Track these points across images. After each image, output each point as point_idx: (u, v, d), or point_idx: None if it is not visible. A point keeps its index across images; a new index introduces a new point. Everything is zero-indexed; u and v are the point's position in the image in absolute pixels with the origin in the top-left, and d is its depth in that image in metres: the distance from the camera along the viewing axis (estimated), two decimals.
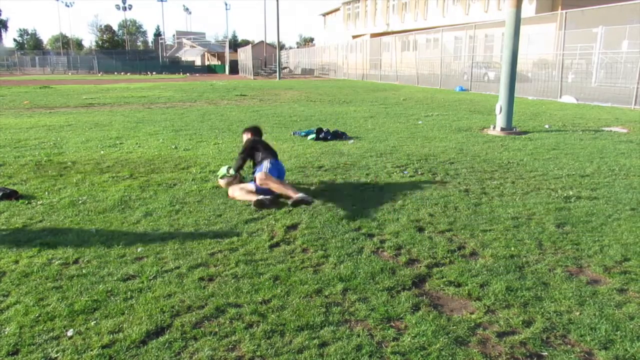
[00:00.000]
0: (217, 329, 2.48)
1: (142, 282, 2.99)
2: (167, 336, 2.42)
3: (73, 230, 3.91)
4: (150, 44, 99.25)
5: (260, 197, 4.51)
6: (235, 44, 75.67)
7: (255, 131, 5.43)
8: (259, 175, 4.71)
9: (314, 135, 8.34)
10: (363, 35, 44.86)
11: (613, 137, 8.48)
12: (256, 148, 5.10)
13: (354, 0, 48.98)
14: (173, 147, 7.64)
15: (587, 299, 2.78)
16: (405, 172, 5.86)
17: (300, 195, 4.53)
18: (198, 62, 60.24)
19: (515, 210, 4.40)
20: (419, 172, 5.87)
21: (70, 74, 50.81)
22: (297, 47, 79.62)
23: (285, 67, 52.98)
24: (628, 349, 2.31)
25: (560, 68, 16.44)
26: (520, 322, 2.54)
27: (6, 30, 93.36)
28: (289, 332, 2.46)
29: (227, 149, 7.48)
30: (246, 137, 5.35)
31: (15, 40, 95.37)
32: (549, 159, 6.66)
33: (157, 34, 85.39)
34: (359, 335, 2.43)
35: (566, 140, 8.14)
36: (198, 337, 2.42)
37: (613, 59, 17.36)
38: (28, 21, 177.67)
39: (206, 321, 2.57)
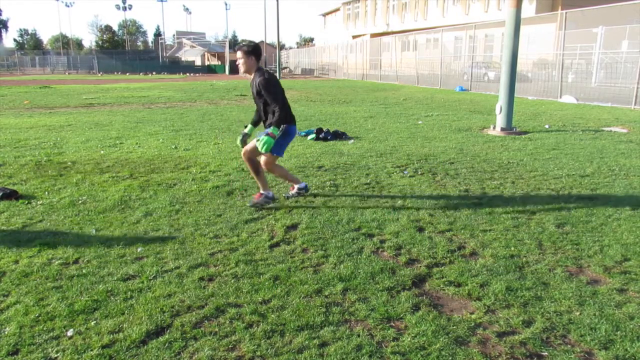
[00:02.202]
0: (217, 329, 2.49)
1: (142, 282, 2.99)
2: (167, 336, 2.42)
3: (73, 230, 3.91)
4: (150, 44, 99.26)
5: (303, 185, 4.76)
6: (235, 44, 75.59)
7: (260, 55, 4.42)
8: (269, 159, 4.43)
9: (314, 135, 8.34)
10: (363, 35, 44.86)
11: (613, 137, 8.49)
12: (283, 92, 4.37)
13: (354, 1, 48.98)
14: (173, 147, 7.64)
15: (587, 299, 2.78)
16: (405, 172, 5.86)
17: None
18: (198, 62, 60.26)
19: (515, 210, 4.40)
20: (419, 172, 5.87)
21: (67, 73, 50.75)
22: (297, 47, 79.64)
23: (285, 67, 52.98)
24: (628, 349, 2.31)
25: (560, 68, 16.44)
26: (520, 322, 2.54)
27: (6, 30, 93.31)
28: (289, 332, 2.46)
29: (227, 149, 7.48)
30: (249, 59, 4.31)
31: (15, 40, 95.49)
32: (549, 159, 6.66)
33: (157, 34, 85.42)
34: (359, 335, 2.43)
35: (566, 140, 8.14)
36: (198, 337, 2.42)
37: (613, 59, 17.36)
38: (28, 21, 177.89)
39: (206, 321, 2.57)
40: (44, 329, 2.48)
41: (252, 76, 4.39)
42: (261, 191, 4.60)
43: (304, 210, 4.39)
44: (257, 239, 3.72)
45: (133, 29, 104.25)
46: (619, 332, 2.45)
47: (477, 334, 2.45)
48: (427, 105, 14.55)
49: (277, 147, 4.33)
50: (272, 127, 4.18)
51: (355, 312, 2.65)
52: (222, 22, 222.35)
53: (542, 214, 4.29)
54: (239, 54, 4.31)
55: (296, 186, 4.77)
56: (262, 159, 4.44)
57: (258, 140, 4.25)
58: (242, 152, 4.56)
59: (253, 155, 4.51)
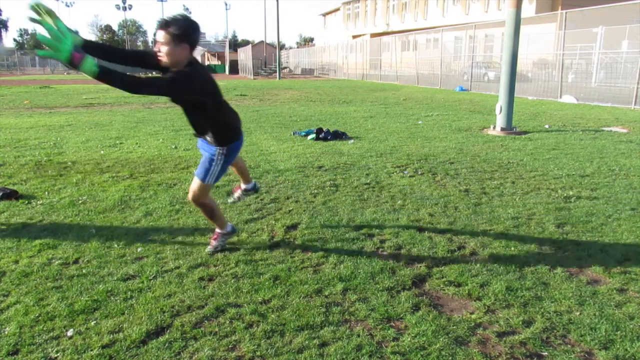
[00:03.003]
0: (217, 329, 2.49)
1: (142, 282, 2.99)
2: (167, 336, 2.42)
3: (73, 230, 3.91)
4: (150, 44, 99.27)
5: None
6: (235, 44, 75.63)
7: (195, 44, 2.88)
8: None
9: (314, 135, 8.34)
10: (363, 35, 44.86)
11: (613, 137, 8.49)
12: (218, 95, 3.07)
13: (354, 0, 48.98)
14: (173, 147, 7.64)
15: (587, 299, 2.78)
16: (405, 172, 5.86)
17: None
18: None
19: (515, 210, 4.40)
20: (419, 172, 5.87)
21: (67, 73, 50.57)
22: (297, 47, 79.62)
23: (285, 67, 52.97)
24: (628, 349, 2.32)
25: (560, 68, 16.44)
26: (520, 322, 2.54)
27: (6, 30, 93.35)
28: (289, 332, 2.46)
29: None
30: (178, 48, 2.78)
31: (15, 40, 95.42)
32: (549, 159, 6.66)
33: None
34: (359, 335, 2.43)
35: (566, 140, 8.14)
36: (198, 337, 2.42)
37: (613, 59, 17.36)
38: (28, 21, 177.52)
39: (206, 321, 2.57)
40: (44, 329, 2.48)
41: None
42: (218, 230, 3.52)
43: (304, 210, 4.39)
44: (257, 239, 3.72)
45: (133, 29, 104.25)
46: (619, 332, 2.45)
47: (477, 334, 2.45)
48: (427, 105, 14.55)
49: (215, 174, 3.21)
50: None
51: (355, 312, 2.65)
52: (222, 22, 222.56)
53: (542, 214, 4.29)
54: (161, 35, 2.75)
55: (219, 231, 3.52)
56: (192, 189, 3.25)
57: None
58: (189, 196, 3.34)
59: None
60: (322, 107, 14.20)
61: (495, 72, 21.55)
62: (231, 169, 3.72)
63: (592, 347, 2.34)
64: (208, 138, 3.15)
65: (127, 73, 2.66)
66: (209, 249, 3.48)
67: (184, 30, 2.77)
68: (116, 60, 2.98)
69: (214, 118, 3.10)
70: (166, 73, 2.84)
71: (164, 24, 2.76)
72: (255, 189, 4.05)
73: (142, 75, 2.85)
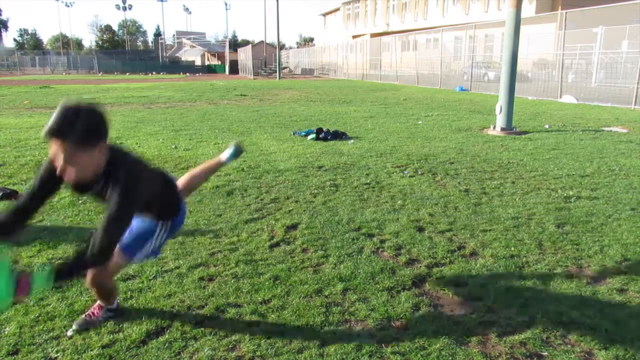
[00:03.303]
0: (217, 329, 2.49)
1: (142, 282, 2.99)
2: (167, 336, 2.42)
3: (73, 230, 3.91)
4: (150, 44, 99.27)
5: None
6: (235, 44, 75.58)
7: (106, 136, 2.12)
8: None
9: (314, 135, 8.34)
10: (363, 35, 44.86)
11: (613, 137, 8.49)
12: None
13: (354, 0, 48.99)
14: (173, 147, 7.64)
15: (587, 299, 2.78)
16: (405, 172, 5.86)
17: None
18: (198, 62, 60.23)
19: (515, 210, 4.40)
20: (419, 172, 5.87)
21: (66, 73, 50.55)
22: (297, 47, 79.60)
23: (285, 67, 52.96)
24: (628, 349, 2.31)
25: (560, 68, 16.44)
26: (520, 322, 2.54)
27: (6, 30, 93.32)
28: (289, 332, 2.46)
29: (226, 149, 7.47)
30: (88, 154, 2.01)
31: (15, 40, 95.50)
32: (549, 159, 6.66)
33: (157, 34, 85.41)
34: (359, 335, 2.43)
35: (566, 140, 8.14)
36: (198, 337, 2.42)
37: (613, 59, 17.37)
38: (28, 21, 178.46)
39: (206, 321, 2.57)
40: (44, 329, 2.48)
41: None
42: (104, 304, 2.54)
43: (304, 210, 4.39)
44: (257, 239, 3.72)
45: (133, 29, 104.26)
46: (619, 332, 2.45)
47: (477, 334, 2.45)
48: (427, 105, 14.55)
49: (147, 252, 2.45)
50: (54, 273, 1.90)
51: (355, 312, 2.65)
52: (222, 22, 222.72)
53: (542, 214, 4.29)
54: (60, 148, 1.99)
55: (103, 307, 2.54)
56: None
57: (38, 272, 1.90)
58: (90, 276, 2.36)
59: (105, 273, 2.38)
60: (322, 107, 14.20)
61: (495, 72, 21.54)
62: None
63: (592, 347, 2.34)
64: (150, 216, 2.42)
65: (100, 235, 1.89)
66: (78, 324, 2.46)
67: (92, 130, 1.93)
68: (20, 225, 2.13)
69: (160, 200, 2.37)
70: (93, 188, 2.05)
71: (59, 132, 1.88)
72: (241, 149, 3.59)
73: None
